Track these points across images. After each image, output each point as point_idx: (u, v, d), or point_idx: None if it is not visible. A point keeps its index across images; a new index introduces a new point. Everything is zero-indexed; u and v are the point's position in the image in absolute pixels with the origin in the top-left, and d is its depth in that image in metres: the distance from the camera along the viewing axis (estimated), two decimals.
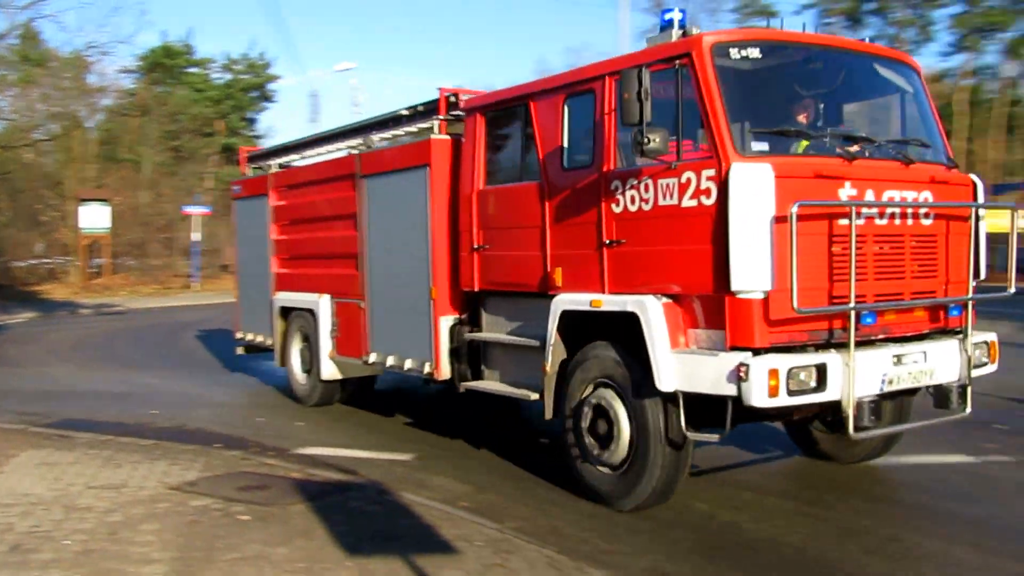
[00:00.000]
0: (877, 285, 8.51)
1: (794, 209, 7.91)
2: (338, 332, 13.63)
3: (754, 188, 8.01)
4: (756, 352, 8.00)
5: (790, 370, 7.90)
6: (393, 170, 12.34)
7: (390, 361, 12.45)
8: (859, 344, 8.32)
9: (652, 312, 8.62)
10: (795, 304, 7.91)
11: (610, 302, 9.04)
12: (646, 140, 8.20)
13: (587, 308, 9.28)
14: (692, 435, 8.62)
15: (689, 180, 8.44)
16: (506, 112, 10.62)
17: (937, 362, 8.82)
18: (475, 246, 10.90)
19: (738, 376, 7.95)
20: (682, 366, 8.39)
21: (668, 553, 7.98)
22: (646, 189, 8.74)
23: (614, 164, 9.13)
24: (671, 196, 8.56)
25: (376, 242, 12.73)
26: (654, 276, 8.75)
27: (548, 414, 9.71)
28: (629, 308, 8.83)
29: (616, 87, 8.97)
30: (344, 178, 13.26)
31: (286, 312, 14.66)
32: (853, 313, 8.11)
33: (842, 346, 8.26)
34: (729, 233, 8.05)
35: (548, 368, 9.69)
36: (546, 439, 11.89)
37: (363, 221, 12.86)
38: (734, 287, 8.02)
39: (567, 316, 9.62)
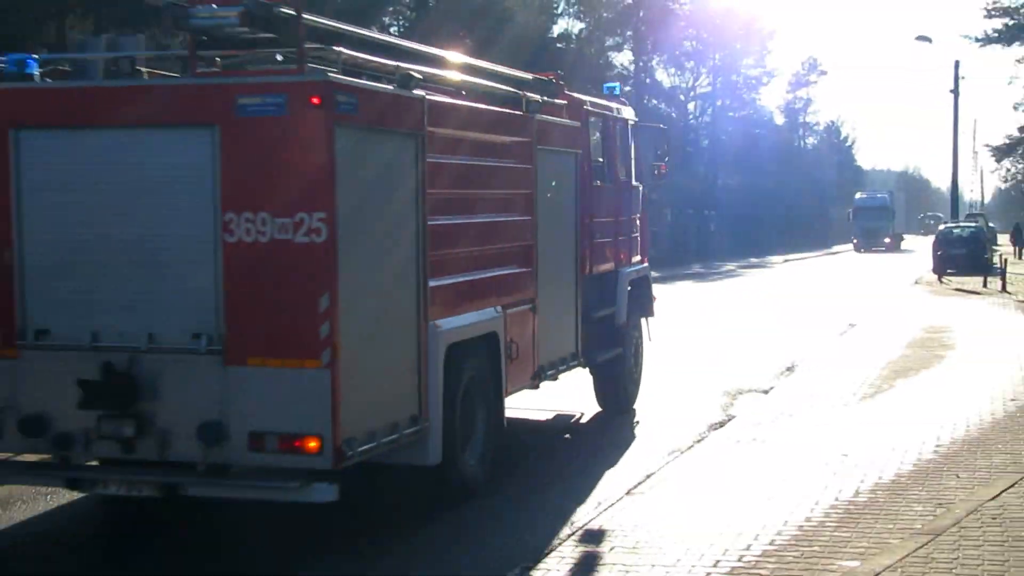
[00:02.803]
0: None
1: None
2: (514, 356, 11.39)
3: None
4: None
5: None
6: (558, 148, 12.62)
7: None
8: None
9: None
10: None
11: None
12: None
13: None
14: None
15: None
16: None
17: None
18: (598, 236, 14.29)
19: None
20: None
21: None
22: None
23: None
24: None
25: (542, 231, 12.04)
26: None
27: None
28: None
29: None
30: (524, 144, 11.76)
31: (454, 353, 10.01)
32: None
33: None
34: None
35: None
36: None
37: (536, 204, 11.95)
38: None
39: None
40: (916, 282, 43.82)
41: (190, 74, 9.05)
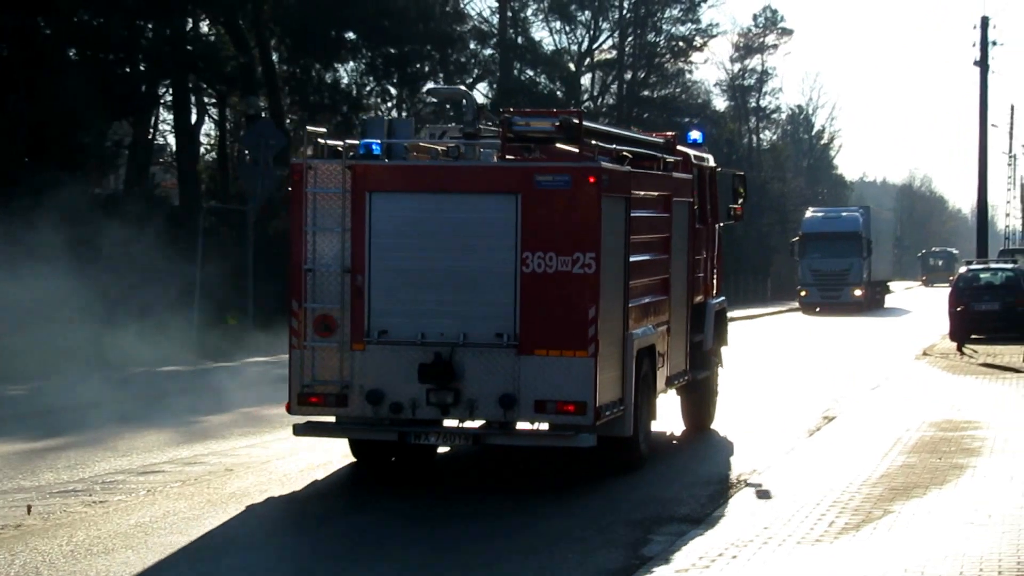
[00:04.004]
0: None
1: None
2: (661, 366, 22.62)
3: None
4: None
5: None
6: (681, 198, 23.78)
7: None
8: None
9: None
10: None
11: None
12: None
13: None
14: None
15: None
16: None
17: None
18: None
19: None
20: None
21: None
22: None
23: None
24: None
25: (672, 267, 23.09)
26: None
27: None
28: None
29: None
30: (666, 197, 22.91)
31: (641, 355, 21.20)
32: None
33: None
34: None
35: None
36: None
37: (670, 245, 23.02)
38: None
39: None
40: (924, 353, 44.91)
41: (501, 160, 19.77)
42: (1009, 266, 55.59)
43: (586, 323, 18.68)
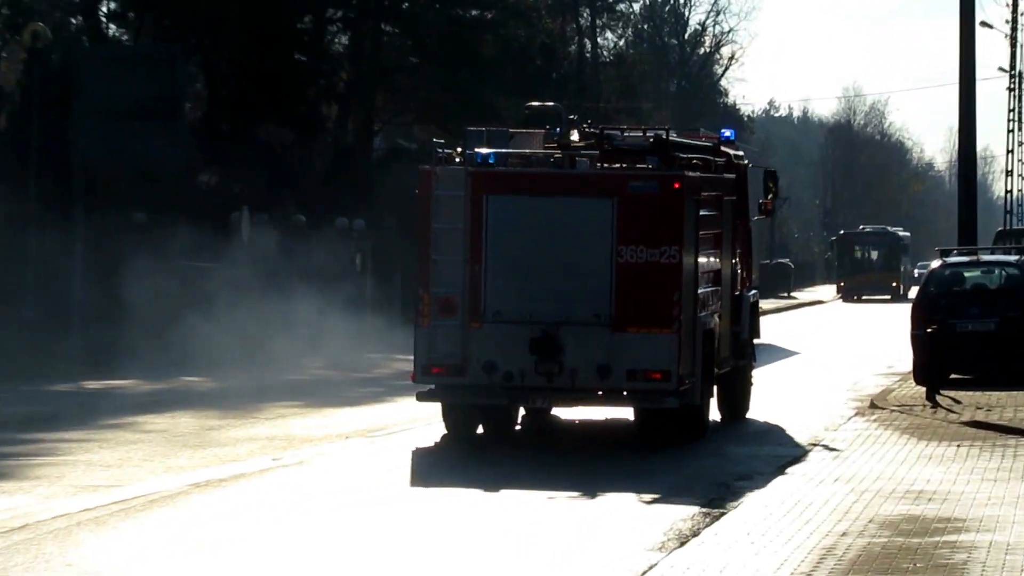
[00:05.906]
0: None
1: None
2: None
3: None
4: None
5: None
6: (728, 197, 31.93)
7: None
8: None
9: None
10: None
11: None
12: None
13: None
14: None
15: None
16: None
17: None
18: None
19: None
20: None
21: None
22: None
23: None
24: None
25: (722, 261, 31.69)
26: None
27: None
28: None
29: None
30: (719, 197, 30.96)
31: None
32: None
33: None
34: None
35: None
36: None
37: (724, 242, 31.66)
38: None
39: None
40: (873, 405, 35.17)
41: (600, 168, 28.73)
42: (1013, 259, 42.45)
43: (671, 305, 27.01)
